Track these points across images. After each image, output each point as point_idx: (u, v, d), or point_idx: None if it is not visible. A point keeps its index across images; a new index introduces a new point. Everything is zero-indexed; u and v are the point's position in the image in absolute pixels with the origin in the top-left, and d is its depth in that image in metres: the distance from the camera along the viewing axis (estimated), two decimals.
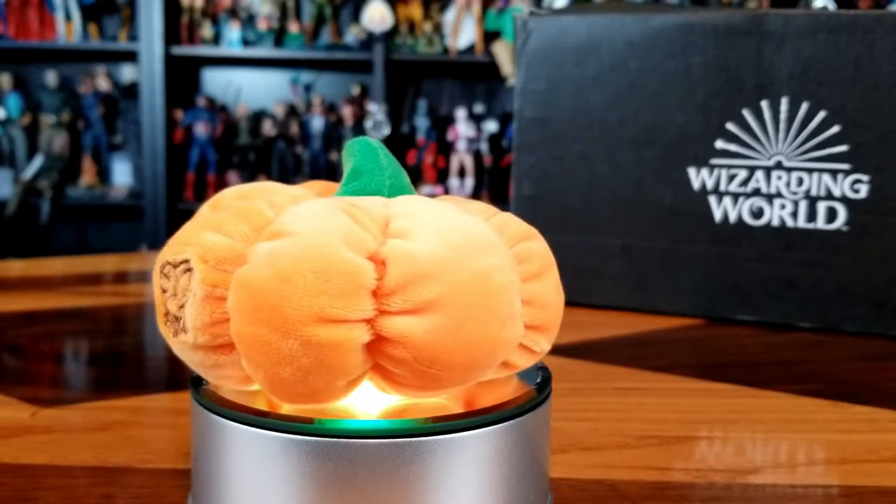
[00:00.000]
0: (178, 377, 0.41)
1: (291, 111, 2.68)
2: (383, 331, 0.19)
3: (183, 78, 2.62)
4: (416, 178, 2.59)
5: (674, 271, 0.55)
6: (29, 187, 2.54)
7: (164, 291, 0.22)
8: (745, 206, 0.53)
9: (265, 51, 2.58)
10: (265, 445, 0.20)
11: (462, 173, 2.67)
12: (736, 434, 0.34)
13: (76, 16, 2.52)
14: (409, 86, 2.75)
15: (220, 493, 0.21)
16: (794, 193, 0.52)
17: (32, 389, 0.38)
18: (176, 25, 2.54)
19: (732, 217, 0.53)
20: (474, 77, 2.75)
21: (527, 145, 0.58)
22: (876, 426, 0.35)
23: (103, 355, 0.47)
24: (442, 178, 2.68)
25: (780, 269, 0.52)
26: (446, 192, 2.59)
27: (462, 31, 2.62)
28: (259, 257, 0.20)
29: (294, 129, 2.65)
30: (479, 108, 2.72)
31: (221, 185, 2.62)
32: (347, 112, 2.61)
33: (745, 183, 0.53)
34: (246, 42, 2.58)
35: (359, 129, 2.58)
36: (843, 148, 0.50)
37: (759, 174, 0.52)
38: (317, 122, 2.62)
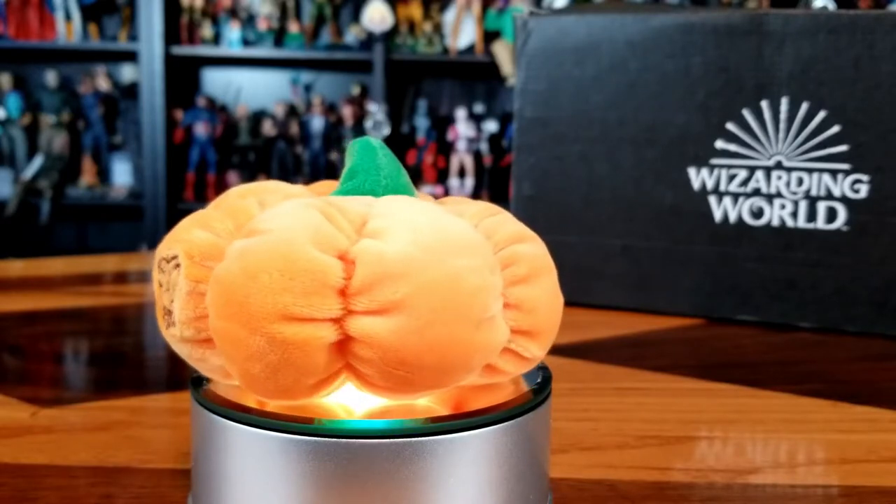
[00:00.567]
0: (178, 377, 0.41)
1: (291, 111, 2.68)
2: (350, 330, 0.19)
3: (183, 78, 2.62)
4: (416, 178, 2.59)
5: (674, 271, 0.55)
6: (29, 187, 2.54)
7: (160, 286, 0.23)
8: (745, 206, 0.53)
9: (265, 51, 2.58)
10: (265, 445, 0.20)
11: (462, 173, 2.67)
12: (736, 434, 0.34)
13: (76, 16, 2.52)
14: (409, 86, 2.75)
15: (220, 494, 0.21)
16: (794, 193, 0.52)
17: (32, 389, 0.38)
18: (176, 25, 2.54)
19: (732, 217, 0.53)
20: (474, 77, 2.75)
21: (527, 145, 0.58)
22: (876, 426, 0.35)
23: (103, 355, 0.47)
24: (442, 178, 2.68)
25: (780, 270, 0.52)
26: (446, 191, 2.59)
27: (462, 31, 2.62)
28: (231, 254, 0.20)
29: (294, 129, 2.65)
30: (479, 108, 2.72)
31: (221, 185, 2.62)
32: (347, 112, 2.61)
33: (745, 183, 0.53)
34: (246, 42, 2.58)
35: (359, 129, 2.58)
36: (843, 148, 0.50)
37: (759, 174, 0.52)
38: (317, 122, 2.62)
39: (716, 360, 0.46)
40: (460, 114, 2.65)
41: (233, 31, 2.55)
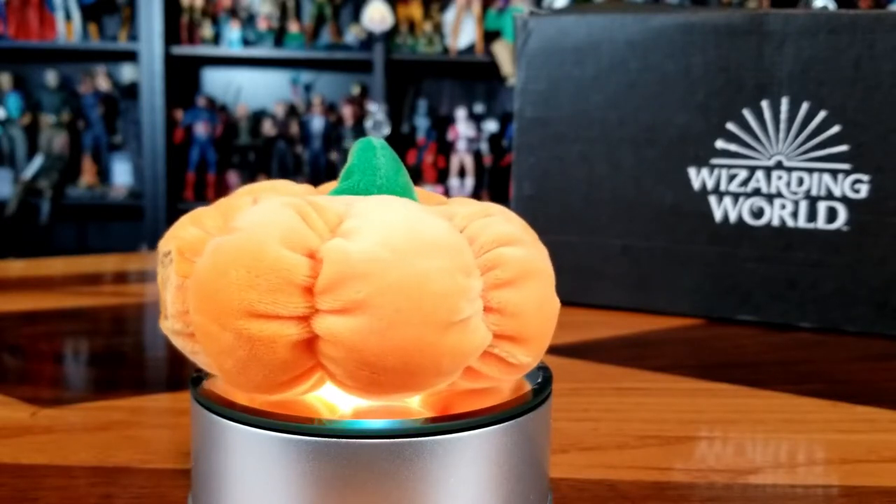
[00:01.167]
0: (178, 377, 0.41)
1: (291, 111, 2.68)
2: (317, 329, 0.19)
3: (183, 78, 2.62)
4: (417, 177, 2.59)
5: (674, 271, 0.55)
6: (29, 187, 2.54)
7: (161, 280, 0.23)
8: (746, 206, 0.53)
9: (265, 50, 2.58)
10: (265, 445, 0.20)
11: (462, 173, 2.67)
12: (736, 434, 0.34)
13: (76, 15, 2.52)
14: (409, 86, 2.75)
15: (220, 494, 0.21)
16: (795, 193, 0.52)
17: (32, 389, 0.38)
18: (176, 25, 2.54)
19: (733, 217, 0.53)
20: (474, 77, 2.75)
21: (527, 145, 0.58)
22: (876, 426, 0.35)
23: (103, 355, 0.47)
24: (442, 177, 2.68)
25: (780, 269, 0.52)
26: (446, 191, 2.59)
27: (462, 31, 2.62)
28: (206, 250, 0.20)
29: (294, 128, 2.65)
30: (479, 108, 2.72)
31: (221, 184, 2.62)
32: (347, 112, 2.61)
33: (745, 183, 0.53)
34: (246, 42, 2.58)
35: (359, 129, 2.58)
36: (843, 148, 0.50)
37: (760, 174, 0.52)
38: (317, 122, 2.62)
39: (716, 360, 0.46)
40: (460, 114, 2.65)
41: (233, 30, 2.55)
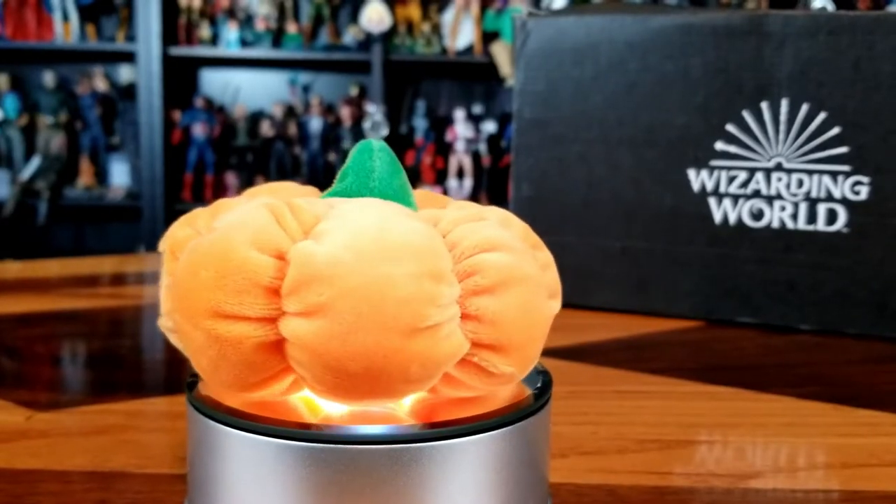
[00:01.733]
0: (175, 380, 0.41)
1: (289, 112, 2.67)
2: (282, 331, 0.19)
3: (181, 78, 2.62)
4: (415, 178, 2.59)
5: (673, 273, 0.55)
6: (26, 188, 2.53)
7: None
8: (745, 208, 0.53)
9: (263, 51, 2.58)
10: (262, 451, 0.20)
11: (461, 174, 2.67)
12: (736, 438, 0.33)
13: (74, 16, 2.52)
14: (407, 86, 2.75)
15: (216, 499, 0.21)
16: (795, 195, 0.52)
17: (28, 393, 0.38)
18: (174, 26, 2.54)
19: (732, 219, 0.53)
20: (473, 78, 2.75)
21: (526, 146, 0.58)
22: (877, 429, 0.35)
23: (100, 358, 0.47)
24: (440, 178, 2.67)
25: (780, 271, 0.52)
26: (444, 193, 2.59)
27: (460, 32, 2.62)
28: (185, 251, 0.21)
29: (292, 129, 2.65)
30: (477, 109, 2.72)
31: (219, 185, 2.62)
32: (346, 113, 2.61)
33: (744, 184, 0.53)
34: (244, 42, 2.57)
35: (357, 130, 2.58)
36: (843, 149, 0.50)
37: (759, 176, 0.52)
38: (315, 123, 2.62)
39: (716, 363, 0.46)
40: (459, 114, 2.65)
41: (231, 31, 2.54)
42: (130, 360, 0.46)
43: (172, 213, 2.50)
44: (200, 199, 2.53)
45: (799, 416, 0.36)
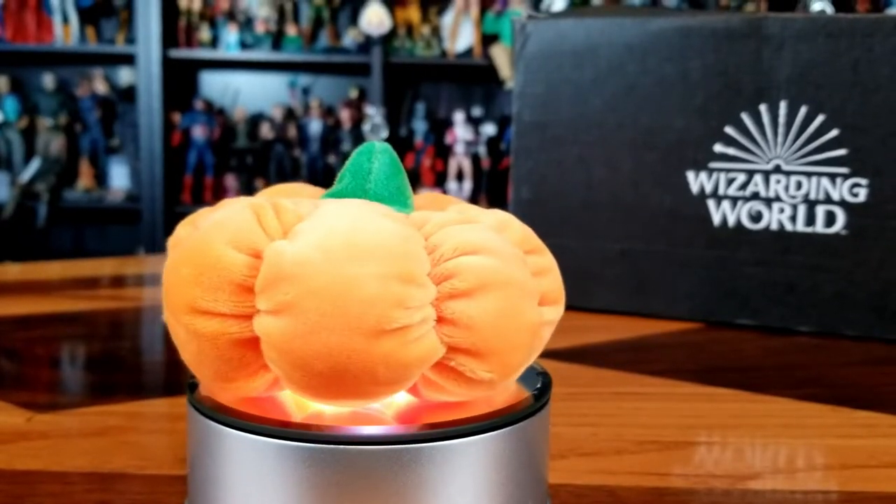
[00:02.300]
0: (175, 382, 0.41)
1: (289, 114, 2.67)
2: (255, 328, 0.20)
3: (180, 81, 2.62)
4: (414, 181, 2.59)
5: (672, 275, 0.55)
6: (26, 190, 2.53)
7: None
8: (744, 210, 0.53)
9: (263, 54, 2.58)
10: (262, 451, 0.20)
11: (460, 176, 2.67)
12: (735, 439, 0.33)
13: (73, 18, 2.52)
14: (407, 89, 2.75)
15: (216, 499, 0.21)
16: (793, 197, 0.52)
17: (28, 394, 0.38)
18: (173, 28, 2.54)
19: (731, 221, 0.53)
20: (472, 80, 2.75)
21: (525, 149, 0.58)
22: (876, 431, 0.35)
23: (100, 360, 0.47)
24: (440, 181, 2.67)
25: (778, 273, 0.52)
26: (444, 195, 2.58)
27: (460, 35, 2.62)
28: (173, 247, 0.22)
29: (292, 132, 2.65)
30: (477, 112, 2.72)
31: (219, 188, 2.62)
32: (345, 115, 2.61)
33: (743, 187, 0.53)
34: (244, 45, 2.57)
35: (357, 133, 2.58)
36: (841, 152, 0.50)
37: (758, 178, 0.52)
38: (314, 126, 2.62)
39: (715, 365, 0.46)
40: (458, 117, 2.65)
41: (230, 34, 2.55)
42: (130, 362, 0.46)
43: (172, 215, 2.50)
44: (200, 202, 2.53)
45: (798, 418, 0.36)
